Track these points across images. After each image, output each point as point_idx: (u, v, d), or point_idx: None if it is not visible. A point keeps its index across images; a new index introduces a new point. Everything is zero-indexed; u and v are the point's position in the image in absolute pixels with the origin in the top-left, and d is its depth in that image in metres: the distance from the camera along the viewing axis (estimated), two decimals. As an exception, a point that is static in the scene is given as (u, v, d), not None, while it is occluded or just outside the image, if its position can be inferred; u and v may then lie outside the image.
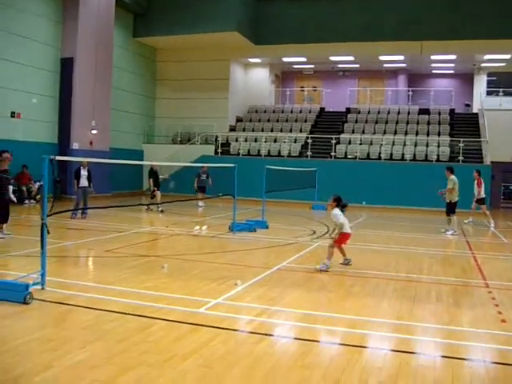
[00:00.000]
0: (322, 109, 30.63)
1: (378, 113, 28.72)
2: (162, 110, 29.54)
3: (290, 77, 34.92)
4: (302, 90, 34.32)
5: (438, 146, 24.37)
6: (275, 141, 26.79)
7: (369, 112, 28.89)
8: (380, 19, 24.76)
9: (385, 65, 31.20)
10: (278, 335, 5.41)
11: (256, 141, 26.95)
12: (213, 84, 28.36)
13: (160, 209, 17.58)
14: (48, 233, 6.52)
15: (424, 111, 28.25)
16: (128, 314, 5.75)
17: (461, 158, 22.82)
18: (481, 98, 27.67)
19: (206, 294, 6.70)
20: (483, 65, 28.72)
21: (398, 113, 28.48)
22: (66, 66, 21.60)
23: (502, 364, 4.77)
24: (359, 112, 29.07)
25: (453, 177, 14.07)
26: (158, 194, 17.93)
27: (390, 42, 25.01)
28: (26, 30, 19.76)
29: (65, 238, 11.12)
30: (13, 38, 19.22)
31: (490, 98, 27.76)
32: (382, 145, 24.77)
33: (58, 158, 7.26)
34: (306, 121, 28.96)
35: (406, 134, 26.28)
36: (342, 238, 8.76)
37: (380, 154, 24.41)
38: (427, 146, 24.57)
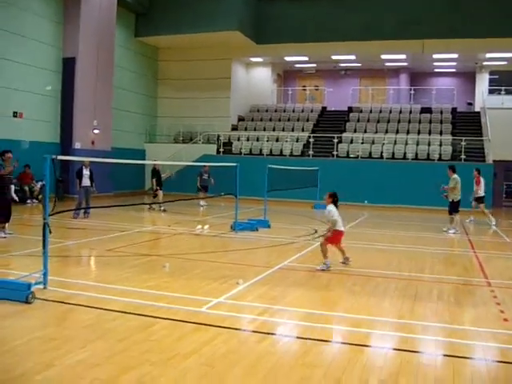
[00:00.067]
0: (324, 108, 30.63)
1: (380, 112, 28.70)
2: (164, 109, 29.56)
3: (292, 76, 34.91)
4: (304, 89, 34.29)
5: (440, 145, 24.34)
6: (277, 140, 26.79)
7: (371, 111, 28.86)
8: (380, 19, 24.76)
9: (386, 64, 31.16)
10: (280, 334, 5.41)
11: (258, 140, 26.95)
12: (215, 83, 28.37)
13: (162, 208, 17.60)
14: (50, 232, 6.54)
15: (426, 110, 28.22)
16: (129, 313, 5.77)
17: (463, 156, 22.78)
18: (483, 97, 27.64)
19: (208, 293, 6.71)
20: (485, 63, 28.67)
21: (400, 112, 28.45)
22: (68, 66, 21.61)
23: (504, 362, 4.77)
24: (361, 111, 29.04)
25: (455, 176, 14.04)
26: (161, 193, 17.94)
27: (391, 41, 24.99)
28: (27, 29, 19.79)
29: (67, 238, 11.14)
30: (15, 38, 19.25)
31: (492, 96, 27.71)
32: (383, 144, 24.76)
33: (60, 157, 7.29)
34: (307, 120, 28.95)
35: (407, 132, 26.25)
36: (334, 236, 8.70)
37: (382, 153, 24.39)
38: (429, 144, 24.54)
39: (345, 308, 6.45)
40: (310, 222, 15.77)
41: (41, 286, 6.49)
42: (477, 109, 28.45)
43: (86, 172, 15.03)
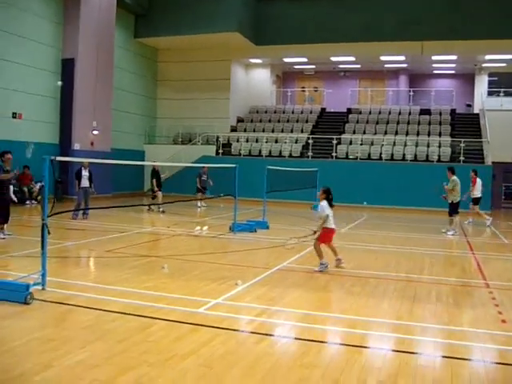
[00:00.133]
0: (323, 109, 30.64)
1: (379, 113, 28.72)
2: (163, 110, 29.58)
3: (291, 77, 34.94)
4: (303, 91, 34.34)
5: (439, 147, 24.37)
6: (276, 141, 26.80)
7: (370, 112, 28.88)
8: (380, 19, 24.78)
9: (386, 65, 31.22)
10: (278, 335, 5.42)
11: (257, 141, 26.97)
12: (214, 84, 28.39)
13: (161, 209, 17.61)
14: (49, 233, 6.53)
15: (425, 111, 28.25)
16: (128, 314, 5.77)
17: (462, 158, 22.80)
18: (482, 99, 27.68)
19: (207, 294, 6.72)
20: (484, 65, 28.72)
21: (399, 113, 28.47)
22: (67, 67, 21.62)
23: (502, 364, 4.78)
24: (360, 112, 29.06)
25: (454, 177, 14.06)
26: (160, 194, 17.95)
27: (391, 43, 25.01)
28: (27, 30, 19.80)
29: (66, 239, 11.14)
30: (14, 39, 19.26)
31: (491, 98, 27.77)
32: (383, 145, 24.77)
33: (59, 158, 7.30)
34: (307, 121, 28.97)
35: (407, 134, 26.28)
36: (325, 235, 8.65)
37: (381, 154, 24.41)
38: (428, 146, 24.56)
39: (343, 309, 6.46)
40: (309, 223, 15.76)
41: (39, 287, 6.49)
42: (476, 110, 28.50)
43: (85, 173, 15.02)
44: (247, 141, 27.09)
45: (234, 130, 28.97)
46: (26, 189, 18.73)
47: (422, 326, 5.79)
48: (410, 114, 28.25)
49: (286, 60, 30.74)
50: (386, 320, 5.96)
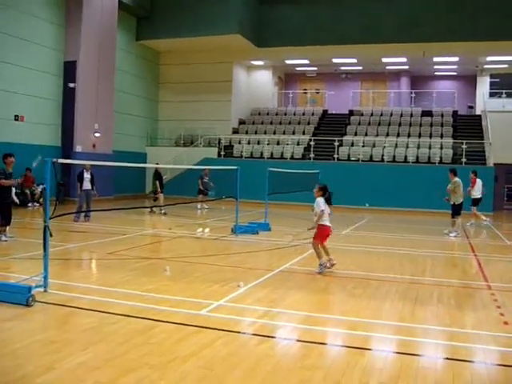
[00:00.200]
0: (325, 111, 30.66)
1: (381, 115, 28.73)
2: (165, 112, 29.62)
3: (293, 79, 34.96)
4: (305, 93, 34.35)
5: (441, 148, 24.35)
6: (278, 143, 26.80)
7: (371, 114, 28.89)
8: (381, 21, 24.78)
9: (387, 67, 31.22)
10: (280, 337, 5.41)
11: (259, 143, 26.98)
12: (216, 86, 28.42)
13: (163, 211, 17.62)
14: (51, 235, 6.55)
15: (427, 113, 28.25)
16: (130, 316, 5.78)
17: (464, 159, 22.77)
18: (483, 100, 27.67)
19: (209, 296, 6.72)
20: (486, 66, 28.70)
21: (401, 115, 28.47)
22: (69, 69, 21.67)
23: (504, 366, 4.76)
24: (362, 114, 29.07)
25: (456, 179, 14.04)
26: (161, 196, 17.96)
27: (392, 44, 24.99)
28: (29, 33, 19.85)
29: (67, 241, 11.16)
30: (16, 42, 19.31)
31: (492, 99, 27.75)
32: (384, 147, 24.76)
33: (61, 160, 7.30)
34: (308, 123, 28.98)
35: (408, 136, 26.26)
36: (321, 233, 8.61)
37: (383, 156, 24.40)
38: (430, 148, 24.55)
39: (345, 311, 6.45)
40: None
41: (41, 289, 6.50)
42: (478, 112, 28.46)
43: (86, 175, 15.03)
44: (249, 143, 27.10)
45: (235, 132, 28.99)
46: (28, 191, 18.76)
47: (423, 328, 5.77)
48: (411, 115, 28.25)
49: (288, 62, 30.74)
50: (387, 322, 5.96)
